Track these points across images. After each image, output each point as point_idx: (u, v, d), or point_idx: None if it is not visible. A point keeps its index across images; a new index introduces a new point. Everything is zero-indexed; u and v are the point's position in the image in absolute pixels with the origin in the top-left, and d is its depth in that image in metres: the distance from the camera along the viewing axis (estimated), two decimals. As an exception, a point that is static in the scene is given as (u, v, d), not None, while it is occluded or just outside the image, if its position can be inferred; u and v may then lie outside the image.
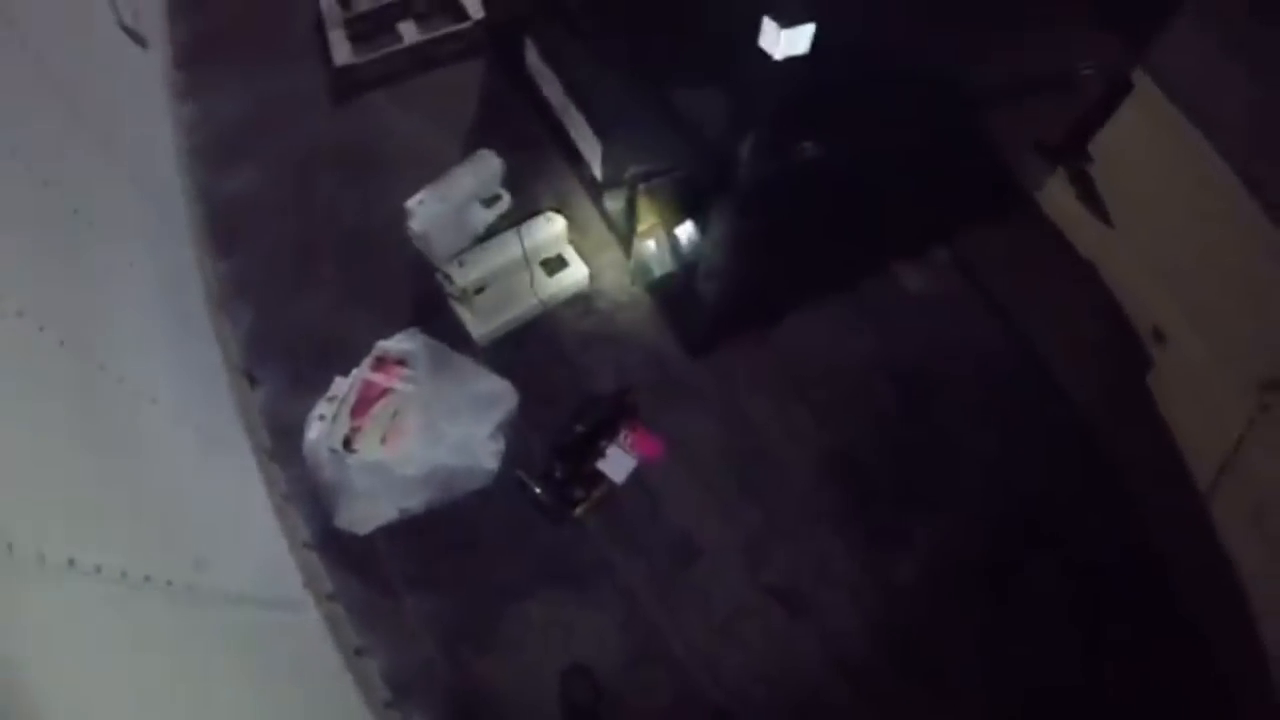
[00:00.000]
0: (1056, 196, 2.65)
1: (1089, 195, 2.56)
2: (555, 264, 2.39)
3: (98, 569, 1.10)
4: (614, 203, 2.29)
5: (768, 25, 1.44)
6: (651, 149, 1.95)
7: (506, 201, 2.48)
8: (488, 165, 2.37)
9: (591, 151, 2.27)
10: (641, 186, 1.97)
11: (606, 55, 2.00)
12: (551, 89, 2.35)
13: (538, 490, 2.08)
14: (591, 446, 2.16)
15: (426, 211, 2.29)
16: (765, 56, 1.48)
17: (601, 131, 2.14)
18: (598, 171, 2.25)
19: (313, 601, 1.94)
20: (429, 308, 2.35)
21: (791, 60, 1.47)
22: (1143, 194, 2.47)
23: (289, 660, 1.72)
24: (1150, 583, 2.31)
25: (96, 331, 1.52)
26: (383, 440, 2.10)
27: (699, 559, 2.20)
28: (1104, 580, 2.31)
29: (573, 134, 2.35)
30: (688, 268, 2.13)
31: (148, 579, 1.24)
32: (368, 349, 2.22)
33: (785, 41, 1.43)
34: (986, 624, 2.22)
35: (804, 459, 2.34)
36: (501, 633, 2.09)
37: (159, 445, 1.62)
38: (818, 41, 1.45)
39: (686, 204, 2.01)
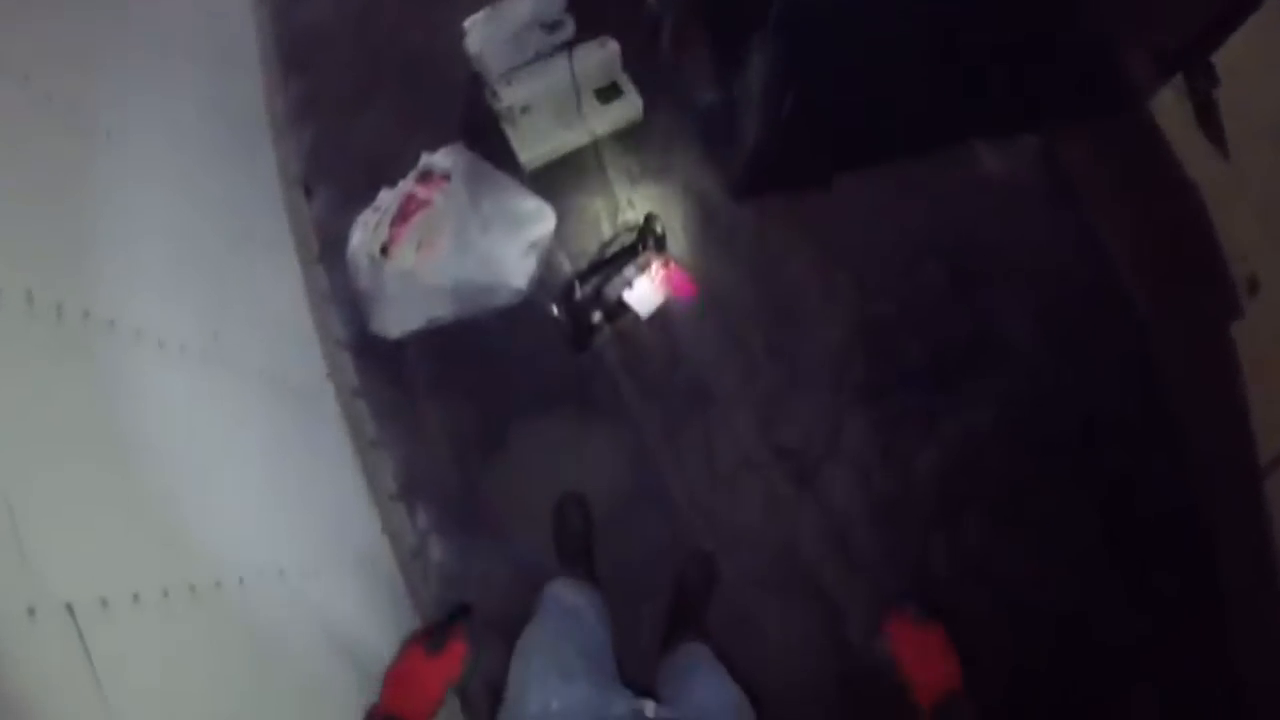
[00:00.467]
0: (1171, 107, 2.32)
1: (1208, 120, 2.23)
2: (609, 92, 2.32)
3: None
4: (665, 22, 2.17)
5: None
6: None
7: (570, 28, 2.38)
8: (548, -15, 2.29)
9: None
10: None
11: None
12: None
13: (555, 310, 2.10)
14: (616, 272, 2.13)
15: (483, 30, 2.24)
16: None
17: None
18: None
19: (334, 393, 2.07)
20: (481, 128, 2.34)
21: None
22: (1268, 127, 2.10)
23: (302, 439, 1.86)
24: (1186, 541, 2.15)
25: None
26: (417, 249, 2.15)
27: (713, 407, 2.19)
28: (1134, 523, 2.15)
29: None
30: (731, 102, 2.02)
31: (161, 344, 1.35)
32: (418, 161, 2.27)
33: None
34: (996, 540, 2.13)
35: (838, 326, 2.25)
36: (509, 447, 2.18)
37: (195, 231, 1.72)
38: None
39: (733, 31, 1.88)
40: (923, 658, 1.23)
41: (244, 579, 1.30)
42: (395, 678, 1.15)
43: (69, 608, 0.89)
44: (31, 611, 0.84)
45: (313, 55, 2.56)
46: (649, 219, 2.10)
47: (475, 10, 2.27)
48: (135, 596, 1.01)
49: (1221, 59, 2.14)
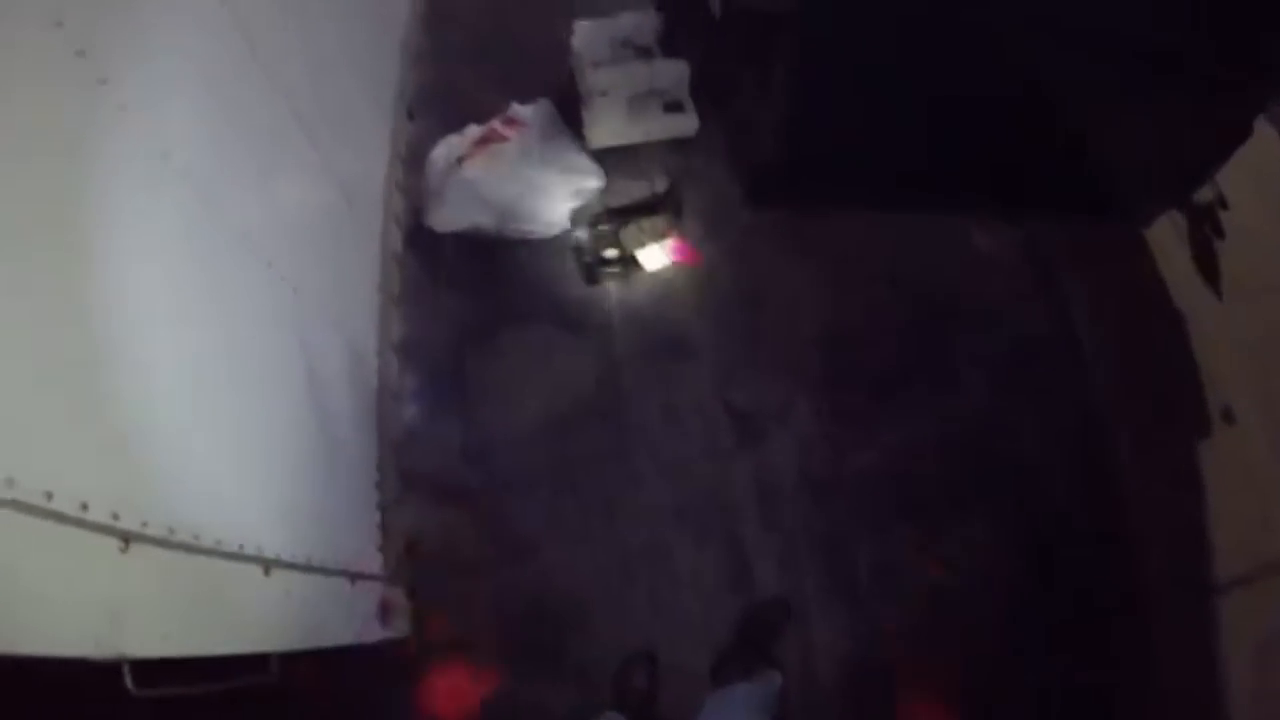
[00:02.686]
0: (1167, 238, 2.56)
1: (1205, 262, 2.43)
2: (673, 106, 2.82)
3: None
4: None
5: None
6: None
7: (656, 55, 2.94)
8: (648, 18, 2.85)
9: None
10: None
11: None
12: None
13: (578, 234, 2.47)
14: (636, 220, 2.52)
15: (588, 34, 2.81)
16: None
17: None
18: (715, 7, 2.67)
19: (379, 248, 2.44)
20: (564, 105, 2.83)
21: None
22: (1260, 269, 2.30)
23: (339, 250, 2.21)
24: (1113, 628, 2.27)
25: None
26: (485, 167, 2.59)
27: (683, 356, 2.49)
28: (1057, 596, 2.28)
29: None
30: (758, 113, 2.48)
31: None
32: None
33: None
34: (910, 557, 2.30)
35: (810, 325, 2.57)
36: (500, 344, 2.50)
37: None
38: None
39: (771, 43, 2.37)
40: None
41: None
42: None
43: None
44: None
45: (454, 14, 3.17)
46: (673, 186, 2.51)
47: (586, 17, 2.85)
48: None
49: (1231, 218, 2.34)
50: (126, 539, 1.05)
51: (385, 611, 2.00)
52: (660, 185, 2.70)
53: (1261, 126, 2.22)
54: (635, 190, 2.73)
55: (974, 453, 2.43)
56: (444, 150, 2.66)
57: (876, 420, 2.45)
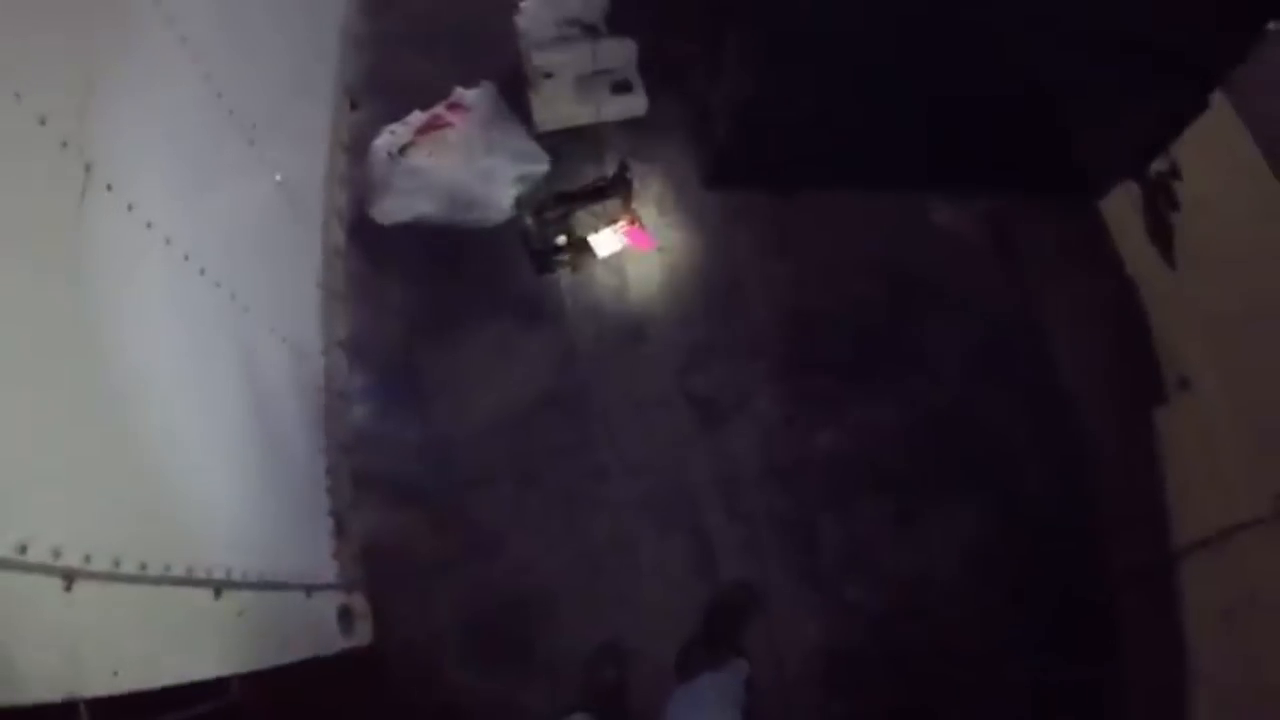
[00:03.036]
0: (1122, 210, 2.60)
1: (1159, 234, 2.47)
2: (621, 86, 2.74)
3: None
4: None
5: None
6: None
7: (602, 33, 2.86)
8: (596, -5, 2.79)
9: None
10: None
11: None
12: None
13: (527, 220, 2.40)
14: (585, 204, 2.46)
15: (533, 14, 2.72)
16: None
17: None
18: None
19: (320, 243, 2.35)
20: (510, 89, 2.73)
21: None
22: (1211, 238, 2.33)
23: (277, 249, 2.12)
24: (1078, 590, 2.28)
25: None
26: (429, 155, 2.50)
27: (641, 344, 2.44)
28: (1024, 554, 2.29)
29: None
30: (713, 93, 2.42)
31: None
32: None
33: None
34: (875, 533, 2.29)
35: (769, 307, 2.53)
36: (453, 337, 2.42)
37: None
38: None
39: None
40: None
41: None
42: None
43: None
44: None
45: (392, 6, 3.05)
46: (622, 165, 2.45)
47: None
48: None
49: (1184, 188, 2.37)
50: (70, 577, 1.00)
51: (346, 619, 1.95)
52: (610, 168, 2.63)
53: (1218, 99, 2.23)
54: (586, 174, 2.66)
55: (938, 429, 2.42)
56: (387, 139, 2.56)
57: (839, 402, 2.42)
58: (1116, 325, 2.53)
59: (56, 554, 0.97)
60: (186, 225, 1.52)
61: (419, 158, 2.49)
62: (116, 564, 1.09)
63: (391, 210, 2.50)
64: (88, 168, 1.21)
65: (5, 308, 0.99)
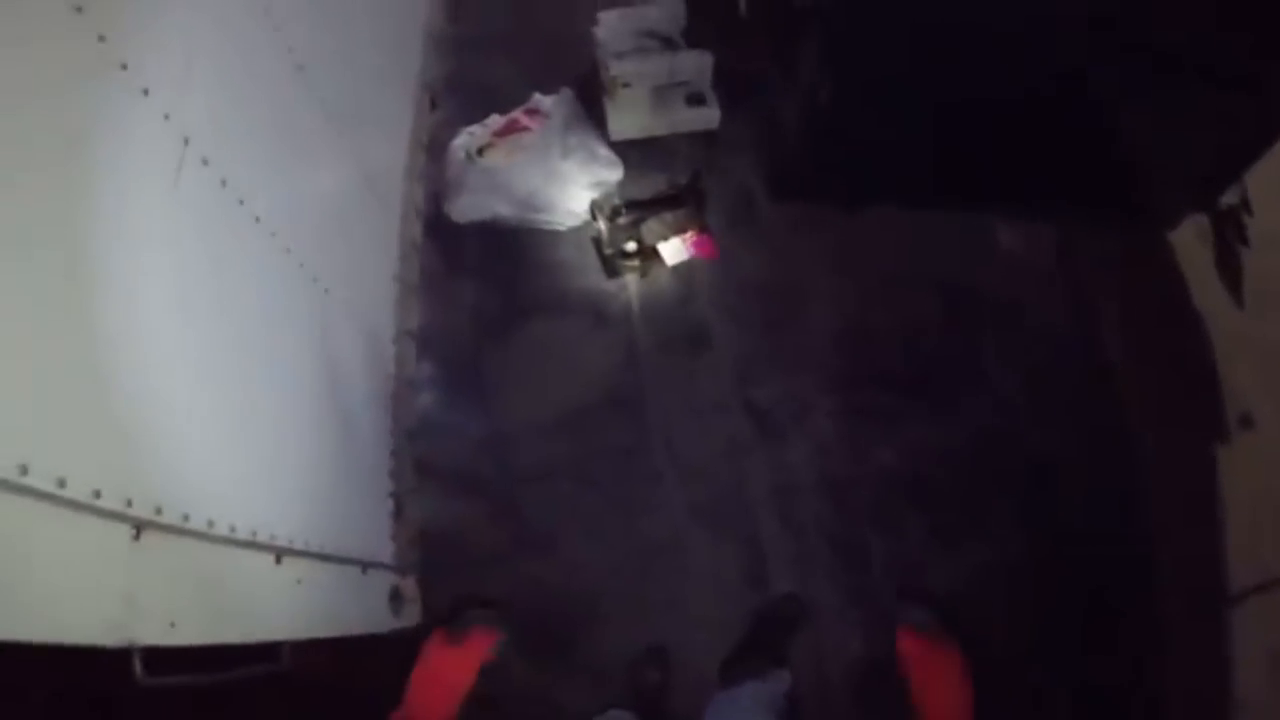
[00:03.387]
0: (1192, 243, 2.51)
1: (1228, 270, 2.39)
2: (695, 99, 2.79)
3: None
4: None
5: None
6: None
7: (678, 45, 2.91)
8: (673, 9, 2.81)
9: None
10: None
11: None
12: None
13: (599, 223, 2.45)
14: (657, 212, 2.50)
15: (613, 24, 2.78)
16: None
17: None
18: (741, 3, 2.63)
19: (397, 239, 2.43)
20: (586, 98, 2.79)
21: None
22: None
23: (358, 236, 2.20)
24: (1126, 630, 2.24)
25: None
26: (506, 157, 2.57)
27: (703, 352, 2.46)
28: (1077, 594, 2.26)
29: None
30: (784, 105, 2.45)
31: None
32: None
33: None
34: (924, 551, 2.27)
35: (831, 322, 2.53)
36: (520, 335, 2.48)
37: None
38: None
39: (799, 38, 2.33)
40: (937, 683, 1.18)
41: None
42: (419, 679, 1.29)
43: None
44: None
45: (474, 8, 3.15)
46: (695, 175, 2.48)
47: (610, 7, 2.82)
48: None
49: (1255, 224, 2.29)
50: (139, 526, 1.04)
51: (397, 600, 2.00)
52: (681, 178, 2.67)
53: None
54: (656, 183, 2.70)
55: (993, 452, 2.38)
56: (465, 140, 2.65)
57: (895, 419, 2.40)
58: (1180, 358, 2.45)
59: (128, 503, 1.02)
60: (275, 205, 1.60)
61: (495, 159, 2.56)
62: (185, 519, 1.14)
63: (466, 209, 2.57)
64: (186, 141, 1.28)
65: (108, 275, 1.06)
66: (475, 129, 2.68)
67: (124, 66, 1.14)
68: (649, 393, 2.40)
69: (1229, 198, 2.39)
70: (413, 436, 2.29)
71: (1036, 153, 2.45)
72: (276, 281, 1.65)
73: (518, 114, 2.66)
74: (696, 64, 2.72)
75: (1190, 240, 2.54)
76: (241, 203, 1.48)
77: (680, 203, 2.51)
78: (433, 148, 2.74)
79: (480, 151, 2.58)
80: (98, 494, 0.96)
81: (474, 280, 2.55)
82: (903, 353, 2.51)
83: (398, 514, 2.11)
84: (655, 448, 2.33)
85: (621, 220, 2.44)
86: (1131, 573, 2.28)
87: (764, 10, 2.48)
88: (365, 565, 1.84)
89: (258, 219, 1.55)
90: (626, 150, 2.76)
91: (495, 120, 2.69)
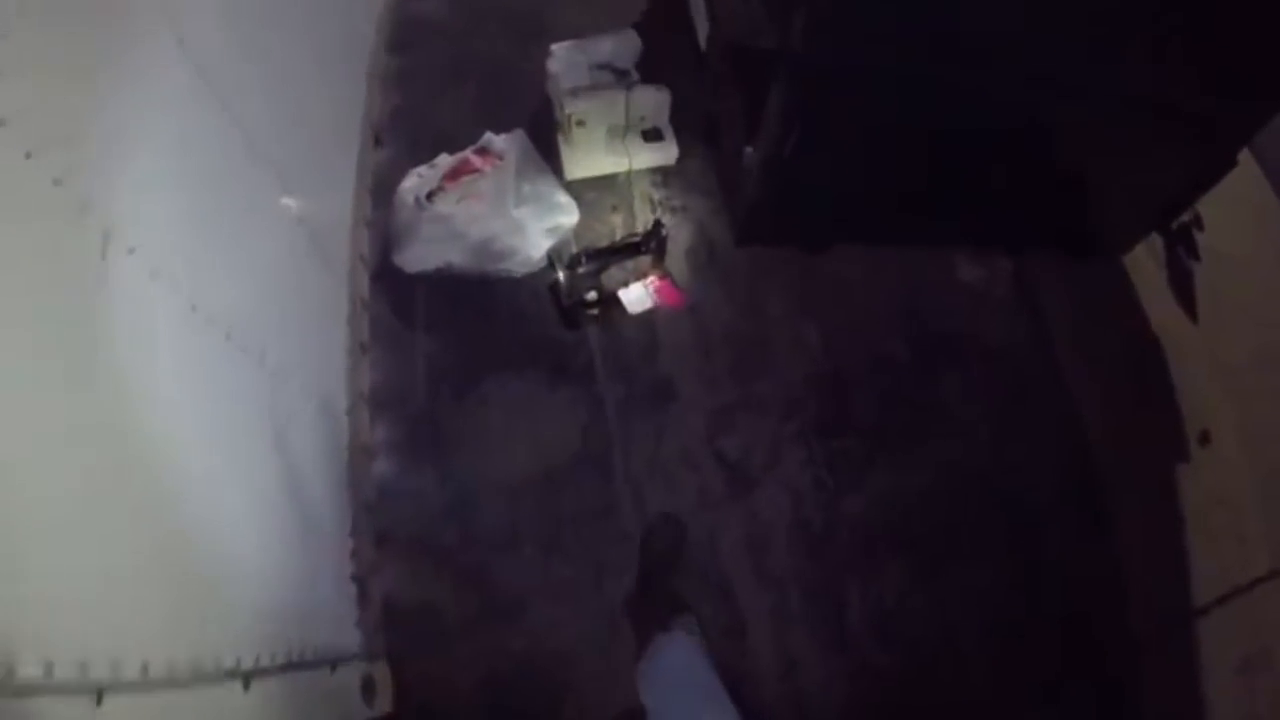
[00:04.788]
0: (1145, 263, 2.58)
1: (1181, 286, 2.45)
2: (652, 134, 2.71)
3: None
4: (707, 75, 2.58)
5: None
6: (752, 21, 2.24)
7: (634, 79, 2.83)
8: (629, 40, 2.73)
9: (700, 22, 2.56)
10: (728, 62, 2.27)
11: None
12: None
13: (558, 273, 2.36)
14: (618, 261, 2.43)
15: (566, 56, 2.68)
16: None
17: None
18: (701, 41, 2.56)
19: (346, 297, 2.30)
20: (539, 136, 2.69)
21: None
22: (1232, 290, 2.32)
23: (302, 280, 2.05)
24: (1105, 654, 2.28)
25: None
26: (457, 202, 2.46)
27: (671, 403, 2.40)
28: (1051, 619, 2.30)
29: (692, 7, 2.65)
30: (745, 153, 2.39)
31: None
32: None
33: None
34: (914, 602, 2.26)
35: (798, 368, 2.50)
36: (479, 391, 2.37)
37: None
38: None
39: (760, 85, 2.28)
40: None
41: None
42: None
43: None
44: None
45: (418, 39, 3.00)
46: (657, 224, 2.42)
47: (562, 39, 2.71)
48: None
49: (1206, 239, 2.35)
50: (99, 691, 0.94)
51: (369, 691, 1.90)
52: (640, 219, 2.60)
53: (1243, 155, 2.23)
54: (613, 225, 2.63)
55: (964, 490, 2.40)
56: (414, 183, 2.51)
57: (867, 464, 2.39)
58: (1140, 380, 2.51)
59: (84, 668, 0.92)
60: (212, 287, 1.46)
61: (447, 205, 2.44)
62: (145, 670, 1.04)
63: (418, 258, 2.45)
64: (106, 234, 1.15)
65: (22, 386, 0.94)
66: (423, 170, 2.55)
67: (28, 156, 1.00)
68: (615, 449, 2.32)
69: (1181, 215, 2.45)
70: (371, 509, 2.17)
71: (997, 187, 2.45)
72: (222, 373, 1.51)
73: (469, 154, 2.54)
74: (654, 100, 2.65)
75: (1143, 258, 2.59)
76: (175, 291, 1.35)
77: (641, 250, 2.43)
78: (377, 191, 2.60)
79: (430, 196, 2.45)
80: (49, 668, 0.86)
81: (428, 334, 2.43)
82: (870, 396, 2.50)
83: (362, 597, 1.99)
84: (623, 507, 2.26)
85: (581, 269, 2.35)
86: (1105, 594, 2.32)
87: (724, 49, 2.41)
88: (334, 663, 1.73)
89: (194, 307, 1.42)
90: (581, 189, 2.68)
91: (444, 160, 2.56)
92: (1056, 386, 2.61)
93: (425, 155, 2.62)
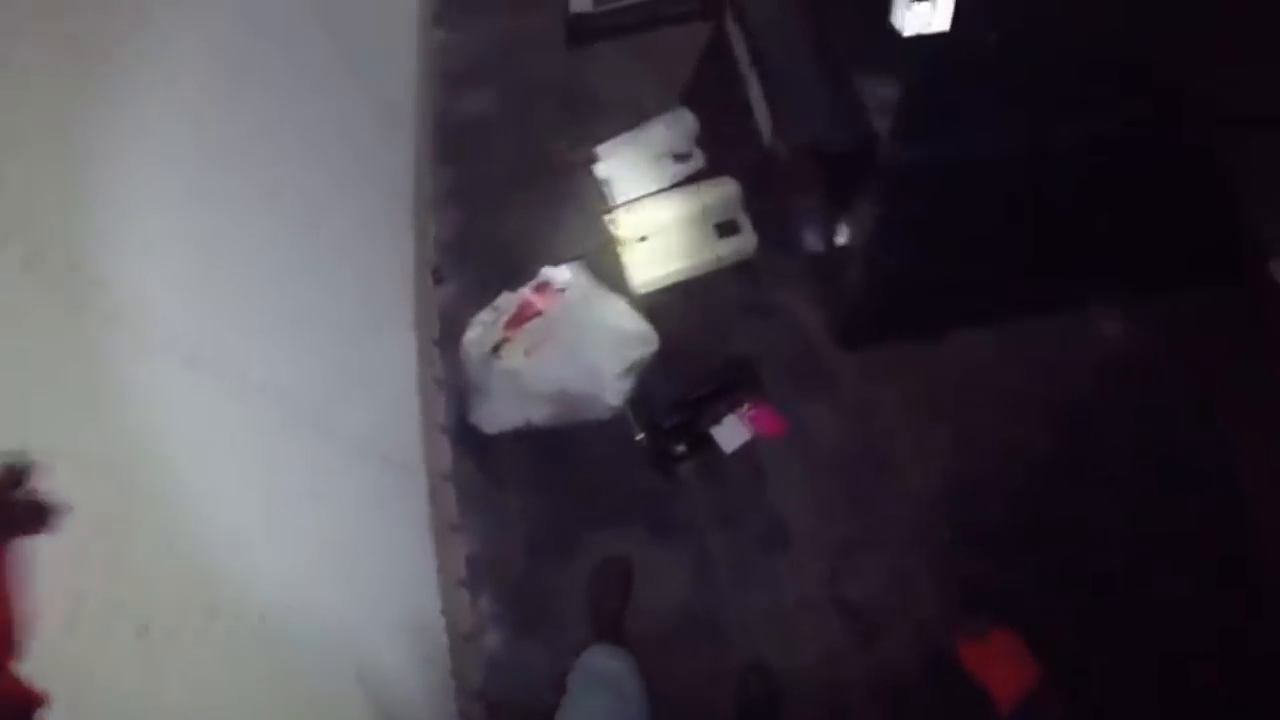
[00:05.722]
0: None
1: None
2: (727, 228, 2.43)
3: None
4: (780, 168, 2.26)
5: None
6: (821, 121, 1.91)
7: (698, 160, 2.54)
8: (683, 121, 2.44)
9: (762, 115, 2.25)
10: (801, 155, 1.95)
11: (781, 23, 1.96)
12: (739, 47, 2.34)
13: (638, 437, 2.17)
14: (707, 409, 2.20)
15: (615, 158, 2.42)
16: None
17: (770, 96, 2.09)
18: (765, 135, 2.23)
19: (424, 472, 2.20)
20: (601, 243, 2.48)
21: (928, 38, 1.38)
22: None
23: (382, 513, 1.98)
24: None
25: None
26: (526, 353, 2.29)
27: (785, 548, 2.18)
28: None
29: (751, 96, 2.33)
30: (839, 250, 2.08)
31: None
32: (540, 267, 2.42)
33: (913, 17, 1.35)
34: None
35: (925, 482, 2.21)
36: (579, 553, 2.23)
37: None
38: (963, 15, 1.35)
39: (843, 182, 1.95)
40: (991, 665, 1.32)
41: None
42: None
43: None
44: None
45: (467, 149, 2.79)
46: (747, 363, 2.16)
47: (617, 128, 2.44)
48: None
49: None
50: None
51: None
52: (729, 329, 2.34)
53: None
54: (696, 340, 2.38)
55: (1109, 604, 2.07)
56: (477, 334, 2.36)
57: (1009, 587, 2.09)
58: None
59: None
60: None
61: (515, 358, 2.28)
62: None
63: (495, 417, 2.31)
64: None
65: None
66: (485, 317, 2.39)
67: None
68: (728, 604, 2.14)
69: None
70: (482, 694, 2.12)
71: (1124, 228, 2.07)
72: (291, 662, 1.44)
73: (528, 295, 2.36)
74: (723, 195, 2.36)
75: None
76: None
77: (732, 390, 2.19)
78: (444, 339, 2.47)
79: (496, 349, 2.30)
80: None
81: (518, 495, 2.31)
82: (1008, 505, 2.18)
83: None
84: (739, 669, 2.10)
85: (667, 424, 2.15)
86: None
87: (794, 149, 2.08)
88: None
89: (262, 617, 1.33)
90: (656, 300, 2.44)
91: (505, 302, 2.39)
92: (1214, 460, 2.21)
93: (487, 286, 2.46)
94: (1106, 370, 2.32)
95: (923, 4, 1.35)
